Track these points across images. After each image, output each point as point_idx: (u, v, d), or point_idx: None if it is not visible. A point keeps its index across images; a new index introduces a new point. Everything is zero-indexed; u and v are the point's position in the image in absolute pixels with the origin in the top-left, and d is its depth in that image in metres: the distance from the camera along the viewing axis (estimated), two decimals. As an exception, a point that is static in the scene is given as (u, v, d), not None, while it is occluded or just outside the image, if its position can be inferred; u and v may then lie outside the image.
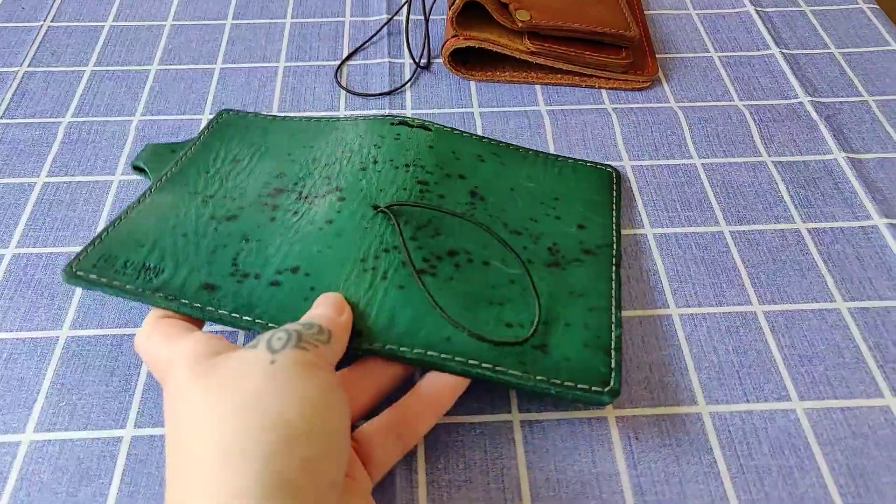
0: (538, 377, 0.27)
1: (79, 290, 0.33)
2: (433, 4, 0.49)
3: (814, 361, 0.31)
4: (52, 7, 0.50)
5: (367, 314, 0.28)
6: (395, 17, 0.50)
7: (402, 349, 0.27)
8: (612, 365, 0.28)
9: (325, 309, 0.27)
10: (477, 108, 0.44)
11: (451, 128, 0.37)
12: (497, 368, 0.27)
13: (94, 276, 0.29)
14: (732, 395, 0.30)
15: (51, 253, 0.35)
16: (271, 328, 0.28)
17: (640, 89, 0.45)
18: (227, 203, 0.33)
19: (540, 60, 0.44)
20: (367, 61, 0.47)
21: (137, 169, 0.38)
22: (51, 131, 0.41)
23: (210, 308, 0.28)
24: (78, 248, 0.35)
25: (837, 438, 0.29)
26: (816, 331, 0.32)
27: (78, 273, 0.29)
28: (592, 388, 0.27)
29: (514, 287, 0.30)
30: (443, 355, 0.27)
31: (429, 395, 0.27)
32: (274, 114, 0.39)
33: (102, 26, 0.49)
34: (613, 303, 0.31)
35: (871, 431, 0.29)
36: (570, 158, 0.37)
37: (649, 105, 0.44)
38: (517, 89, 0.45)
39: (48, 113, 0.42)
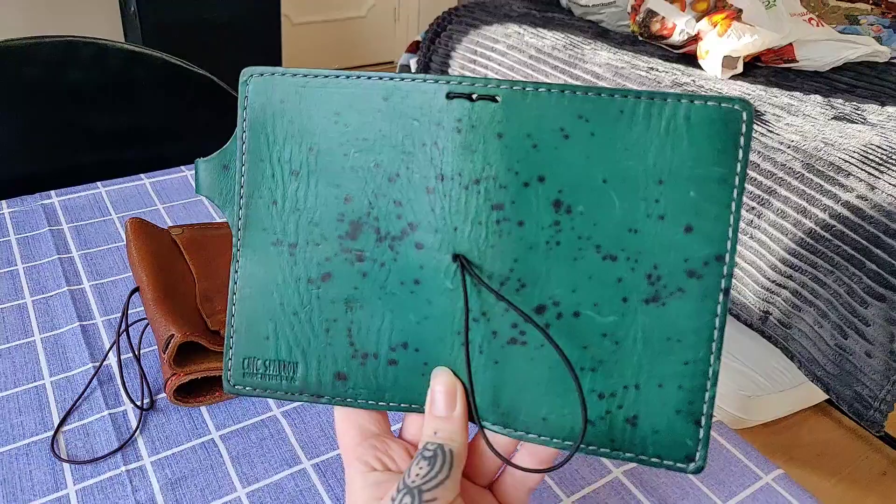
0: (626, 454, 0.28)
1: None
2: (140, 339, 0.50)
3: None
4: None
5: (473, 391, 0.29)
6: (104, 364, 0.49)
7: (507, 430, 0.28)
8: (701, 436, 0.27)
9: (441, 406, 0.28)
10: (216, 432, 0.45)
11: (521, 84, 0.28)
12: (590, 447, 0.28)
13: (249, 388, 0.30)
14: None
15: None
16: (403, 408, 0.30)
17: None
18: (312, 252, 0.30)
19: (262, 369, 0.48)
20: (85, 421, 0.45)
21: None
22: None
23: (350, 399, 0.30)
24: None
25: None
26: None
27: (235, 386, 0.30)
28: (677, 465, 0.27)
29: (607, 343, 0.28)
30: (542, 437, 0.28)
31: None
32: (304, 71, 0.30)
33: None
34: (714, 351, 0.27)
35: None
36: (684, 96, 0.27)
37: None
38: (247, 401, 0.48)
39: None
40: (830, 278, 1.18)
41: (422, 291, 0.29)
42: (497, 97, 0.28)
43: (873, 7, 2.07)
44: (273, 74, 0.30)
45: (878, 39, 1.81)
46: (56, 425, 0.44)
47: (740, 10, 1.54)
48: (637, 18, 1.71)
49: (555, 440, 0.28)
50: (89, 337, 0.51)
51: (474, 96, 0.28)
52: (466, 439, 0.28)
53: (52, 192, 0.69)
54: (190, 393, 0.47)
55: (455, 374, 0.29)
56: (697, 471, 0.27)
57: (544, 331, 0.27)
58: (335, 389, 0.30)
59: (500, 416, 0.28)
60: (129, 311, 0.51)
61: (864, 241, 1.13)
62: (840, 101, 1.44)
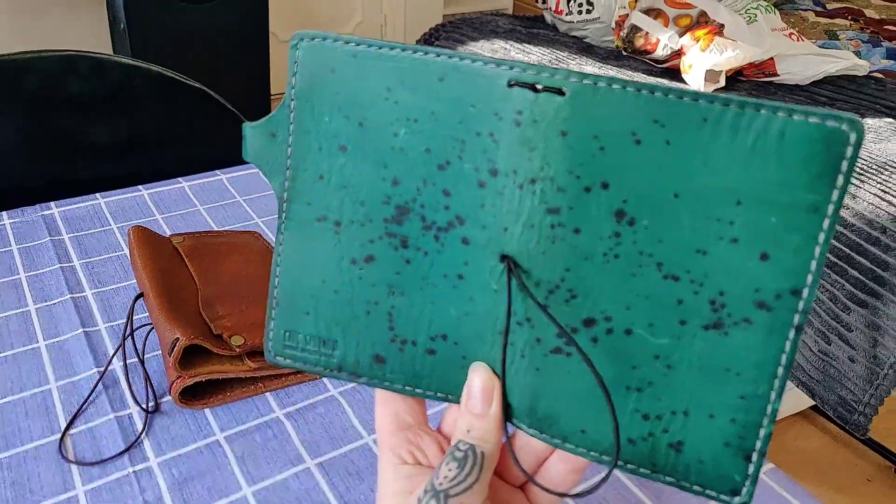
0: (668, 478, 0.26)
1: None
2: (145, 343, 0.51)
3: None
4: None
5: (511, 392, 0.28)
6: (108, 368, 0.50)
7: (542, 435, 0.28)
8: (750, 472, 0.25)
9: (477, 402, 0.28)
10: (220, 434, 0.46)
11: (593, 78, 0.25)
12: (628, 466, 0.27)
13: (290, 360, 0.31)
14: None
15: None
16: (440, 397, 0.30)
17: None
18: (357, 232, 0.29)
19: (264, 373, 0.49)
20: (91, 424, 0.46)
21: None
22: None
23: (387, 383, 0.30)
24: None
25: None
26: None
27: (276, 357, 0.31)
28: (721, 496, 0.26)
29: (658, 365, 0.26)
30: (579, 448, 0.28)
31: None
32: (357, 39, 0.28)
33: None
34: (776, 388, 0.25)
35: None
36: (781, 108, 0.23)
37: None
38: (251, 403, 0.49)
39: None
40: (814, 286, 1.20)
41: (465, 287, 0.28)
42: (564, 90, 0.25)
43: (852, 23, 2.12)
44: (325, 40, 0.28)
45: (857, 54, 1.86)
46: (63, 428, 0.45)
47: (722, 26, 1.58)
48: (621, 34, 1.74)
49: (592, 453, 0.27)
50: (93, 343, 0.52)
51: (539, 87, 0.25)
52: (500, 440, 0.28)
53: (52, 204, 0.70)
54: (194, 395, 0.48)
55: (494, 371, 0.28)
56: None
57: (580, 349, 0.26)
58: (373, 371, 0.30)
59: (537, 422, 0.28)
60: (133, 317, 0.52)
61: (846, 249, 1.16)
62: (820, 113, 1.47)
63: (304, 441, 0.46)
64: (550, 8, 1.97)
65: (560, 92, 0.25)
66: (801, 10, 2.25)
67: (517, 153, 0.26)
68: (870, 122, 1.44)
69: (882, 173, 1.23)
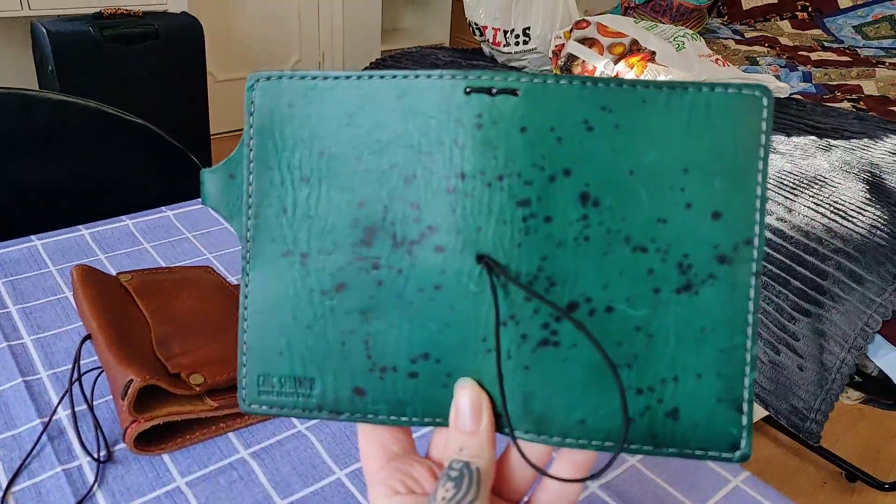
0: (669, 449, 0.27)
1: None
2: (93, 389, 0.47)
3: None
4: None
5: (504, 400, 0.27)
6: (53, 418, 0.46)
7: (541, 437, 0.27)
8: (744, 423, 0.26)
9: (466, 420, 0.27)
10: (181, 479, 0.43)
11: (542, 78, 0.27)
12: (632, 446, 0.27)
13: (266, 407, 0.29)
14: None
15: None
16: (426, 422, 0.28)
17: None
18: (325, 262, 0.28)
19: (226, 412, 0.46)
20: (36, 479, 0.42)
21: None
22: None
23: (370, 415, 0.28)
24: None
25: None
26: None
27: (251, 405, 0.29)
28: (722, 455, 0.26)
29: (640, 337, 0.27)
30: (580, 441, 0.27)
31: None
32: (313, 73, 0.29)
33: None
34: (749, 335, 0.26)
35: None
36: (704, 84, 0.27)
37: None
38: (212, 444, 0.46)
39: None
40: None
41: (443, 297, 0.28)
42: (517, 90, 0.27)
43: (769, 49, 2.24)
44: (280, 78, 0.29)
45: (778, 77, 1.96)
46: (4, 487, 0.41)
47: (654, 53, 1.64)
48: (558, 63, 1.79)
49: (594, 443, 0.27)
50: (34, 393, 0.49)
51: (494, 90, 0.27)
52: (494, 455, 0.27)
53: (-17, 247, 0.66)
54: (150, 441, 0.45)
55: (481, 384, 0.28)
56: (743, 458, 0.26)
57: (582, 326, 0.27)
58: (353, 405, 0.29)
59: (533, 424, 0.27)
60: (80, 361, 0.49)
61: (786, 261, 1.20)
62: (751, 133, 1.54)
63: (271, 481, 0.44)
64: (488, 40, 2.00)
65: (514, 93, 0.27)
66: (722, 38, 2.36)
67: (482, 154, 0.27)
68: (796, 141, 1.51)
69: (813, 187, 1.28)
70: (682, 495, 0.45)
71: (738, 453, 0.26)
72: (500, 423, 0.27)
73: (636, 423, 0.27)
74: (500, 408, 0.27)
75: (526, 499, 0.30)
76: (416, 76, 0.28)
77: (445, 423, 0.28)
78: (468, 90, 0.27)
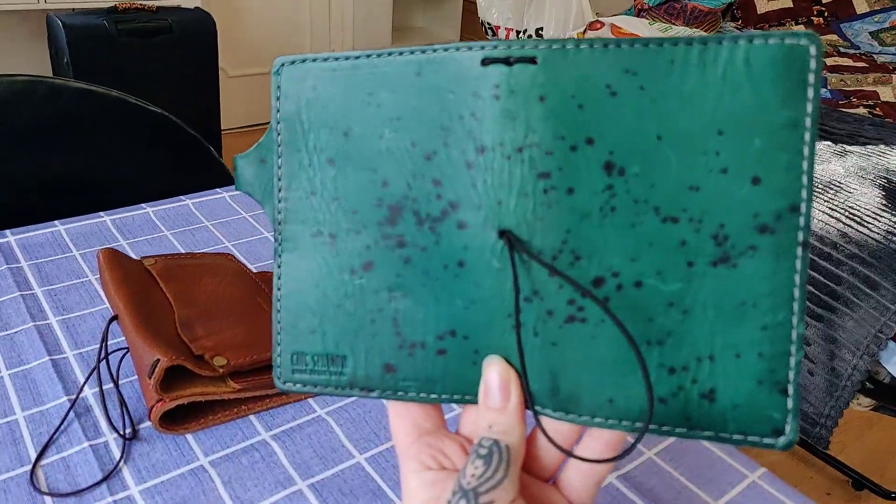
0: (705, 432, 0.25)
1: None
2: (119, 368, 0.48)
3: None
4: None
5: (529, 377, 0.27)
6: (80, 396, 0.47)
7: (569, 416, 0.26)
8: (789, 407, 0.24)
9: (495, 397, 0.27)
10: (204, 458, 0.43)
11: (561, 43, 0.26)
12: (663, 428, 0.26)
13: (300, 385, 0.30)
14: None
15: None
16: (456, 399, 0.28)
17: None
18: (353, 241, 0.29)
19: (248, 394, 0.47)
20: (64, 454, 0.43)
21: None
22: None
23: (400, 392, 0.29)
24: None
25: None
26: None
27: (286, 383, 0.30)
28: (764, 441, 0.25)
29: (673, 313, 0.25)
30: (609, 420, 0.26)
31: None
32: (335, 55, 0.29)
33: None
34: (796, 312, 0.24)
35: None
36: (741, 37, 0.24)
37: (353, 399, 0.49)
38: (234, 426, 0.46)
39: None
40: (770, 301, 1.23)
41: (467, 274, 0.27)
42: (536, 58, 0.26)
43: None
44: (304, 61, 0.29)
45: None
46: (34, 459, 0.42)
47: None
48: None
49: (624, 423, 0.26)
50: (61, 371, 0.49)
51: (511, 59, 0.26)
52: (524, 433, 0.27)
53: (7, 231, 0.66)
54: (174, 420, 0.45)
55: (508, 361, 0.27)
56: (788, 445, 0.24)
57: (602, 303, 0.25)
58: (384, 382, 0.29)
59: (561, 403, 0.26)
60: (108, 341, 0.49)
61: (799, 265, 1.20)
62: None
63: (293, 462, 0.44)
64: (500, 40, 2.01)
65: (532, 61, 0.26)
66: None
67: (501, 126, 0.26)
68: (811, 146, 1.51)
69: (827, 192, 1.28)
70: (700, 489, 0.46)
71: (782, 439, 0.24)
72: (530, 400, 0.27)
73: (668, 403, 0.25)
74: (525, 386, 0.27)
75: (558, 477, 0.30)
76: (434, 50, 0.27)
77: (475, 401, 0.28)
78: (485, 61, 0.26)
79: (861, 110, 1.81)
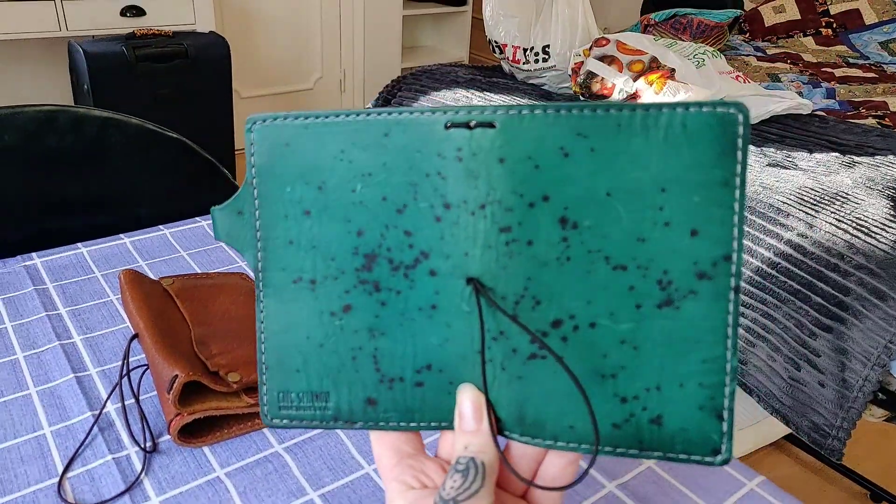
0: (655, 453, 0.28)
1: None
2: (139, 384, 0.51)
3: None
4: None
5: (498, 406, 0.29)
6: (103, 411, 0.50)
7: (535, 440, 0.29)
8: (724, 429, 0.28)
9: (469, 421, 0.29)
10: (221, 470, 0.46)
11: (517, 108, 0.28)
12: (618, 450, 0.29)
13: (286, 421, 0.32)
14: None
15: None
16: (434, 426, 0.31)
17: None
18: (332, 286, 0.31)
19: (262, 407, 0.49)
20: (89, 466, 0.45)
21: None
22: None
23: (382, 423, 0.31)
24: None
25: None
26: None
27: (273, 420, 0.32)
28: (705, 459, 0.28)
29: (625, 349, 0.28)
30: (570, 444, 0.29)
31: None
32: (306, 113, 0.31)
33: None
34: (729, 347, 0.28)
35: None
36: (678, 104, 0.27)
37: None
38: (248, 439, 0.49)
39: None
40: (779, 313, 1.24)
41: (440, 315, 0.30)
42: (494, 123, 0.28)
43: (792, 66, 2.25)
44: (276, 120, 0.31)
45: (800, 94, 1.97)
46: (60, 472, 0.44)
47: (673, 70, 1.66)
48: (578, 80, 1.81)
49: (583, 446, 0.29)
50: (85, 387, 0.52)
51: (472, 124, 0.29)
52: (497, 451, 0.29)
53: (34, 254, 0.70)
54: (192, 434, 0.48)
55: (480, 388, 0.30)
56: (724, 462, 0.28)
57: (548, 347, 0.29)
58: (367, 415, 0.31)
59: (528, 428, 0.29)
60: (129, 358, 0.52)
61: (808, 276, 1.21)
62: (772, 149, 1.55)
63: (304, 473, 0.46)
64: (508, 58, 2.04)
65: (491, 125, 0.28)
66: (744, 55, 2.37)
67: (464, 185, 0.29)
68: (818, 157, 1.52)
69: (834, 203, 1.29)
70: (697, 496, 0.47)
71: (719, 458, 0.28)
72: (500, 425, 0.30)
73: (622, 428, 0.29)
74: (496, 412, 0.30)
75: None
76: (400, 113, 0.30)
77: (451, 427, 0.31)
78: (448, 125, 0.29)
79: (870, 121, 1.82)
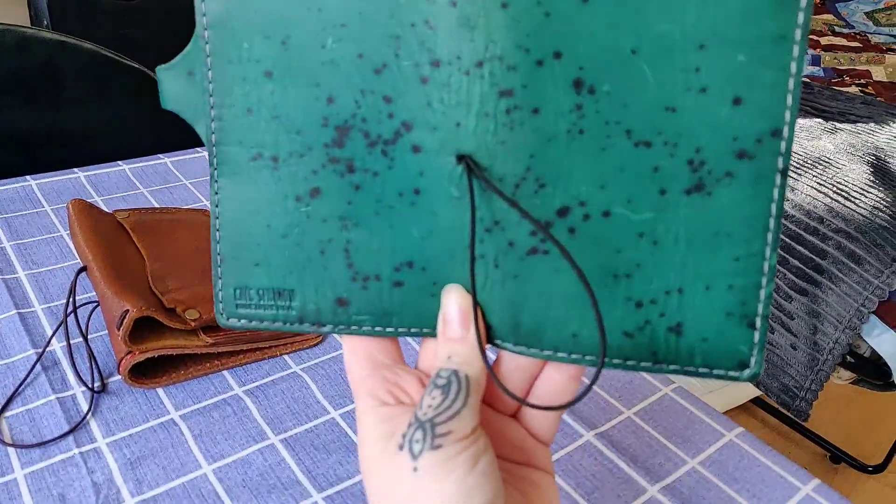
0: (671, 366, 0.24)
1: None
2: (88, 321, 0.47)
3: None
4: None
5: (489, 311, 0.25)
6: (47, 349, 0.46)
7: (531, 350, 0.25)
8: (756, 340, 0.24)
9: (454, 327, 0.25)
10: (175, 412, 0.43)
11: None
12: (628, 362, 0.25)
13: (244, 321, 0.27)
14: None
15: None
16: (413, 333, 0.27)
17: (317, 344, 0.50)
18: (297, 165, 0.26)
19: (221, 349, 0.46)
20: (29, 406, 0.42)
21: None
22: None
23: (354, 327, 0.27)
24: None
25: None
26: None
27: (229, 319, 0.27)
28: (729, 374, 0.24)
29: (643, 244, 0.24)
30: (573, 355, 0.25)
31: None
32: None
33: None
34: (769, 242, 0.23)
35: None
36: None
37: (329, 356, 0.49)
38: (207, 381, 0.45)
39: None
40: (755, 276, 1.24)
41: (424, 202, 0.25)
42: None
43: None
44: None
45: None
46: (-3, 410, 0.41)
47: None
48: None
49: (588, 357, 0.25)
50: (28, 324, 0.48)
51: None
52: (485, 363, 0.25)
53: (-23, 185, 0.65)
54: (145, 374, 0.44)
55: (468, 290, 0.26)
56: (753, 377, 0.24)
57: (553, 238, 0.24)
58: (337, 316, 0.27)
59: (523, 337, 0.25)
60: (76, 294, 0.48)
61: (786, 239, 1.20)
62: (755, 112, 1.53)
63: (266, 417, 0.43)
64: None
65: None
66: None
67: (457, 36, 0.23)
68: (801, 122, 1.51)
69: (816, 167, 1.28)
70: (677, 447, 0.45)
71: (747, 371, 0.24)
72: (490, 333, 0.26)
73: (635, 338, 0.24)
74: (486, 318, 0.25)
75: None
76: None
77: (433, 333, 0.27)
78: None
79: (853, 89, 1.81)
